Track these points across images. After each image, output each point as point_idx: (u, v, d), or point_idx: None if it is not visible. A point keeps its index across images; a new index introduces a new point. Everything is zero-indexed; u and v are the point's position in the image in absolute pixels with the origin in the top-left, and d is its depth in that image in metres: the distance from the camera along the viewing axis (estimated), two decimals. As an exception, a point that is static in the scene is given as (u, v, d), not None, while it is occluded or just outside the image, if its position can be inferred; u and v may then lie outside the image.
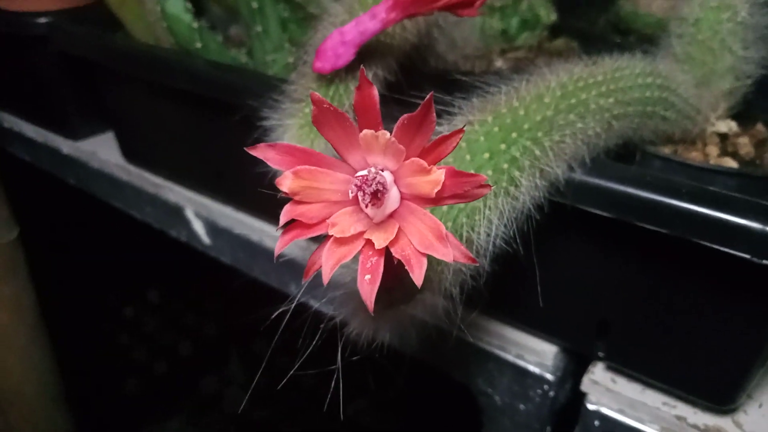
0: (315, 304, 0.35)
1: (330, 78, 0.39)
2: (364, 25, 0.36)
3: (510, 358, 0.49)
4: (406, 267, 0.22)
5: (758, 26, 0.43)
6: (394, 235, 0.22)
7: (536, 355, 0.48)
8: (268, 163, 0.23)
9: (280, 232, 0.24)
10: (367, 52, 0.39)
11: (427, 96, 0.21)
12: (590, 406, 0.46)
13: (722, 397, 0.41)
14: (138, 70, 0.57)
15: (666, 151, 0.42)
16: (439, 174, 0.22)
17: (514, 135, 0.32)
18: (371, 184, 0.21)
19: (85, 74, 0.69)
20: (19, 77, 0.77)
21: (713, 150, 0.44)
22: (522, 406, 0.50)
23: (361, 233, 0.23)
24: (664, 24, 0.59)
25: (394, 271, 0.30)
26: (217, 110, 0.54)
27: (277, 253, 0.22)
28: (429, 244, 0.22)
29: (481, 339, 0.50)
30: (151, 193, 0.70)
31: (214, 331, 1.54)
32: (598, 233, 0.38)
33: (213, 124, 0.57)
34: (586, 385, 0.46)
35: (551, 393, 0.48)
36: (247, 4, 0.55)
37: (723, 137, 0.46)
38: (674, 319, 0.40)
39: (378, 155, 0.23)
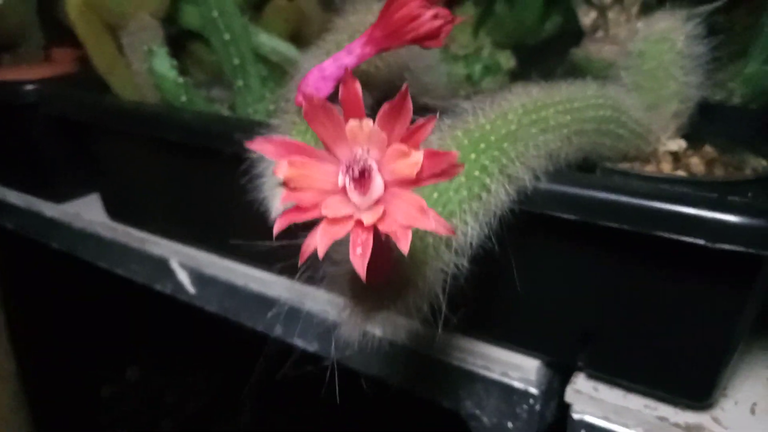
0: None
1: (312, 110, 0.42)
2: (341, 60, 0.40)
3: (495, 376, 0.50)
4: (393, 240, 0.24)
5: (694, 55, 0.48)
6: (380, 214, 0.25)
7: (520, 370, 0.50)
8: (265, 155, 0.25)
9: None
10: (345, 87, 0.43)
11: (403, 86, 0.24)
12: (575, 416, 0.47)
13: (699, 394, 0.43)
14: (130, 126, 0.60)
15: (621, 166, 0.46)
16: (418, 155, 0.25)
17: (482, 146, 0.36)
18: (359, 163, 0.24)
19: (73, 137, 0.72)
20: (6, 145, 0.80)
21: (666, 166, 0.48)
22: (510, 424, 0.51)
23: (351, 215, 0.26)
24: (614, 67, 0.65)
25: (382, 271, 0.33)
26: (205, 158, 0.58)
27: (276, 232, 0.25)
28: (412, 217, 0.25)
29: (466, 360, 0.51)
30: (136, 248, 0.72)
31: (197, 408, 1.51)
32: (570, 241, 0.41)
33: (200, 174, 0.60)
34: (569, 395, 0.48)
35: (537, 407, 0.49)
36: (230, 61, 0.60)
37: (675, 156, 0.50)
38: (648, 320, 0.43)
39: (363, 145, 0.26)
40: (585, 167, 0.44)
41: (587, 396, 0.47)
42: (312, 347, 0.61)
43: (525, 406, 0.50)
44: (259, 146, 0.25)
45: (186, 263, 0.68)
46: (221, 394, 1.48)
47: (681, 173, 0.47)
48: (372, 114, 0.37)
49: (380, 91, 0.47)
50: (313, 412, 1.18)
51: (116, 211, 0.73)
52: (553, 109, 0.40)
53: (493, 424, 0.52)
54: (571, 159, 0.41)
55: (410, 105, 0.24)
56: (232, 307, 0.66)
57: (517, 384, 0.50)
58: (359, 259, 0.24)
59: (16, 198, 0.84)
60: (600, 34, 0.69)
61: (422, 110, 0.45)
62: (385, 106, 0.25)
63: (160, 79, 0.56)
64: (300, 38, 0.73)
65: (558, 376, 0.50)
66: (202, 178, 0.60)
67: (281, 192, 0.42)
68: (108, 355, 1.47)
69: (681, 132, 0.51)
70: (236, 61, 0.60)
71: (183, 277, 0.68)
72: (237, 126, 0.51)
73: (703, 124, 0.53)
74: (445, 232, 0.25)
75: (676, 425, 0.44)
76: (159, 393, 1.55)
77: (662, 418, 0.44)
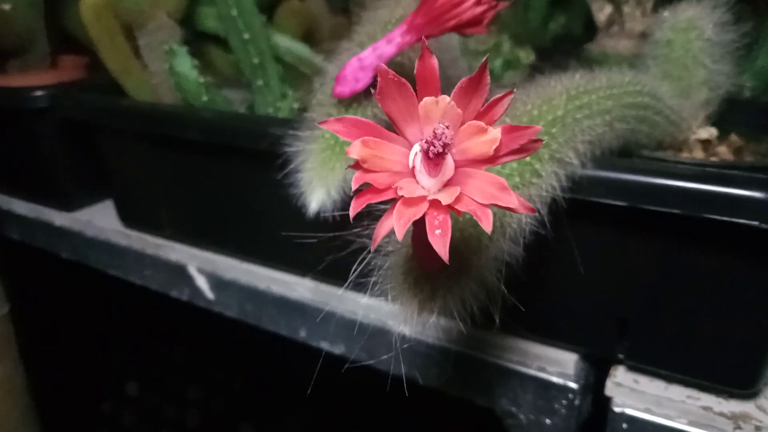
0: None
1: (349, 102, 0.42)
2: (381, 49, 0.40)
3: (532, 372, 0.50)
4: (475, 218, 0.24)
5: (723, 42, 0.48)
6: (458, 192, 0.24)
7: (558, 365, 0.49)
8: (338, 135, 0.25)
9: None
10: (382, 78, 0.42)
11: (483, 59, 0.23)
12: (617, 409, 0.46)
13: (744, 382, 0.43)
14: (149, 128, 0.59)
15: (658, 154, 0.46)
16: (496, 132, 0.24)
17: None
18: (440, 139, 0.24)
19: (84, 144, 0.71)
20: (13, 153, 0.78)
21: (699, 154, 0.48)
22: (548, 421, 0.50)
23: (425, 196, 0.25)
24: (632, 61, 0.65)
25: (434, 258, 0.32)
26: (228, 158, 0.57)
27: (352, 214, 0.24)
28: (492, 195, 0.24)
29: (501, 356, 0.51)
30: (151, 254, 0.70)
31: (197, 422, 1.49)
32: (613, 228, 0.41)
33: (222, 175, 0.59)
34: (609, 389, 0.47)
35: (576, 402, 0.49)
36: (249, 60, 0.59)
37: (705, 144, 0.50)
38: (690, 307, 0.42)
39: (435, 123, 0.25)
40: (622, 155, 0.44)
41: (628, 388, 0.46)
42: (338, 349, 0.60)
43: (564, 401, 0.49)
44: (330, 126, 0.25)
45: (204, 268, 0.67)
46: (220, 407, 1.46)
47: (714, 160, 0.47)
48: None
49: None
50: (332, 414, 1.16)
51: (130, 217, 0.72)
52: (596, 95, 0.39)
53: (530, 421, 0.51)
54: (613, 146, 0.41)
55: (488, 80, 0.24)
56: (253, 311, 0.65)
57: (555, 379, 0.49)
58: (439, 239, 0.24)
59: (21, 207, 0.83)
60: (615, 28, 0.69)
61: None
62: (463, 81, 0.24)
63: (182, 78, 0.55)
64: (310, 39, 0.72)
65: (595, 370, 0.50)
66: (225, 178, 0.59)
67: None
68: (107, 371, 1.45)
69: (710, 121, 0.51)
70: (256, 60, 0.59)
71: (201, 282, 0.67)
72: (269, 122, 0.50)
73: (728, 113, 0.53)
74: (526, 211, 0.24)
75: (721, 414, 0.43)
76: (158, 407, 1.53)
77: (706, 408, 0.44)
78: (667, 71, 0.49)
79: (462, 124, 0.25)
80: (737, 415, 0.43)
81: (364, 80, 0.40)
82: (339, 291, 0.59)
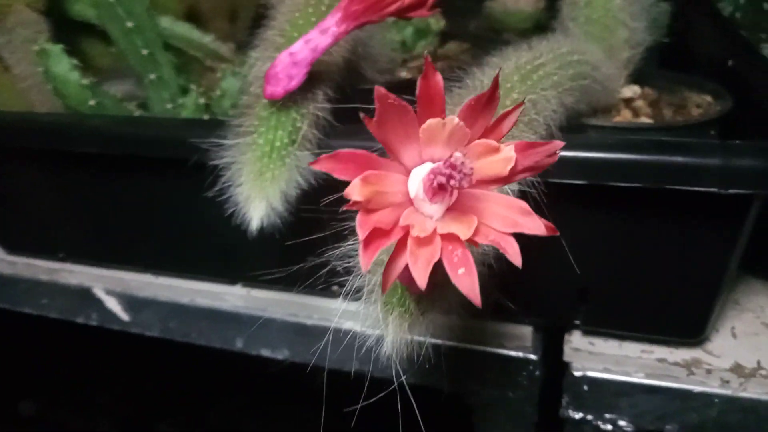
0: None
1: (282, 103, 0.37)
2: (315, 41, 0.35)
3: (492, 350, 0.49)
4: (500, 250, 0.21)
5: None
6: (476, 223, 0.22)
7: (516, 339, 0.49)
8: (333, 175, 0.21)
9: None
10: (315, 72, 0.38)
11: (496, 73, 0.20)
12: (576, 373, 0.47)
13: (694, 332, 0.45)
14: (24, 141, 0.50)
15: (595, 120, 0.46)
16: (509, 150, 0.22)
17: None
18: (460, 170, 0.21)
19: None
20: None
21: (627, 114, 0.49)
22: (511, 394, 0.50)
23: (435, 230, 0.22)
24: (536, 17, 0.64)
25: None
26: (132, 170, 0.50)
27: (366, 267, 0.21)
28: (514, 222, 0.22)
29: (462, 339, 0.50)
30: (46, 281, 0.62)
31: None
32: (570, 204, 0.40)
33: (124, 187, 0.52)
34: (568, 354, 0.48)
35: (537, 372, 0.49)
36: (136, 52, 0.52)
37: (628, 101, 0.50)
38: (643, 270, 0.43)
39: (438, 145, 0.22)
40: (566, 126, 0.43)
41: (585, 352, 0.47)
42: (281, 355, 0.56)
43: (525, 374, 0.49)
44: (322, 165, 0.21)
45: (113, 289, 0.59)
46: (132, 416, 1.37)
47: (646, 120, 0.47)
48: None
49: (340, 73, 0.42)
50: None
51: (14, 242, 0.62)
52: (543, 71, 0.38)
53: (494, 397, 0.51)
54: (563, 120, 0.40)
55: (498, 95, 0.21)
56: (179, 328, 0.59)
57: (515, 353, 0.49)
58: (466, 279, 0.21)
59: None
60: (514, -15, 0.68)
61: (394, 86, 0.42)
62: (471, 101, 0.21)
63: (61, 82, 0.47)
64: (195, 19, 0.65)
65: (552, 339, 0.50)
66: (130, 191, 0.52)
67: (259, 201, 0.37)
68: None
69: (630, 79, 0.52)
70: (144, 52, 0.51)
71: (112, 304, 0.60)
72: (178, 127, 0.44)
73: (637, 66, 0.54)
74: (551, 233, 0.22)
75: (675, 363, 0.45)
76: (60, 425, 1.41)
77: (661, 360, 0.46)
78: (589, 32, 0.49)
79: (469, 142, 0.22)
80: (689, 361, 0.45)
81: (299, 77, 0.36)
82: (276, 295, 0.55)
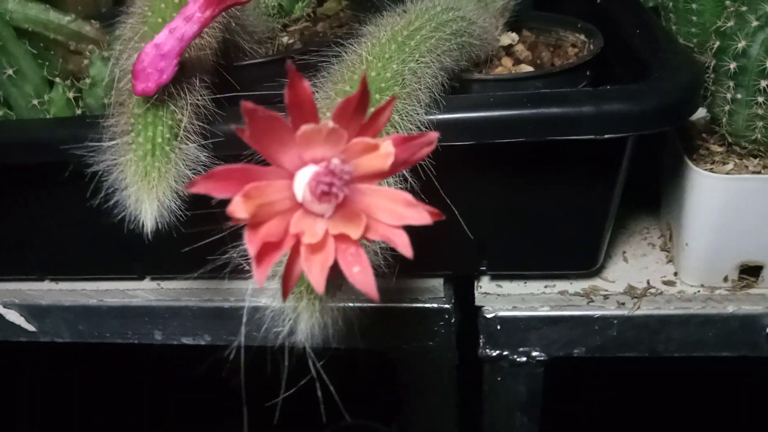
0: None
1: (157, 97, 0.35)
2: (181, 30, 0.34)
3: (407, 305, 0.51)
4: (390, 245, 0.22)
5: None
6: (365, 221, 0.22)
7: (429, 292, 0.51)
8: (213, 195, 0.20)
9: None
10: (187, 60, 0.36)
11: (362, 74, 0.20)
12: (488, 315, 0.50)
13: (587, 263, 0.48)
14: None
15: (477, 75, 0.47)
16: (387, 145, 0.22)
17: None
18: (338, 173, 0.21)
19: None
20: None
21: (508, 62, 0.50)
22: (431, 343, 0.53)
23: (327, 232, 0.22)
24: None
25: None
26: (10, 178, 0.47)
27: (260, 284, 0.21)
28: (400, 215, 0.22)
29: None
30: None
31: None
32: (463, 165, 0.41)
33: (5, 195, 0.49)
34: (478, 299, 0.50)
35: (452, 320, 0.51)
36: (-13, 47, 0.47)
37: (508, 48, 0.52)
38: (536, 215, 0.46)
39: (317, 147, 0.22)
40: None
41: (494, 295, 0.50)
42: (204, 341, 0.56)
43: (441, 322, 0.52)
44: (198, 188, 0.20)
45: (11, 301, 0.56)
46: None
47: (526, 67, 0.49)
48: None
49: (215, 55, 0.41)
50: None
51: None
52: (419, 35, 0.38)
53: (415, 349, 0.53)
54: (445, 81, 0.40)
55: (369, 96, 0.21)
56: (89, 330, 0.57)
57: (429, 305, 0.51)
58: (361, 276, 0.22)
59: None
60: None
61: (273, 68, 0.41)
62: (342, 103, 0.21)
63: None
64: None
65: (461, 287, 0.52)
66: (12, 200, 0.49)
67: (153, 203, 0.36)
68: None
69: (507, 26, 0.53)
70: (-5, 46, 0.47)
71: (14, 317, 0.57)
72: (54, 129, 0.41)
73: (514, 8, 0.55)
74: (437, 218, 0.23)
75: (575, 294, 0.49)
76: None
77: (562, 292, 0.49)
78: (463, -17, 0.49)
79: (349, 139, 0.22)
80: (588, 290, 0.49)
81: (169, 69, 0.34)
82: (188, 284, 0.54)
